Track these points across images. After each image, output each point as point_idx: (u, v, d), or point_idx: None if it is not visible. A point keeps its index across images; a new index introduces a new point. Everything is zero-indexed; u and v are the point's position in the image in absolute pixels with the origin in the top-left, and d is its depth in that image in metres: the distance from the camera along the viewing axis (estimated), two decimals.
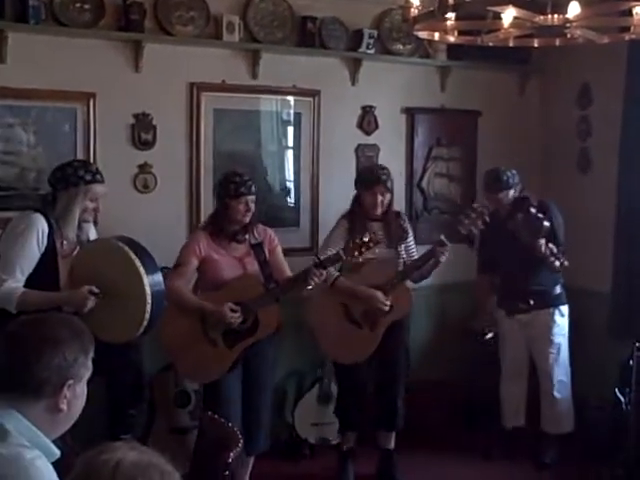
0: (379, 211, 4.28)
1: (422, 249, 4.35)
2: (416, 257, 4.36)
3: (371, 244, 3.83)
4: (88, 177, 3.57)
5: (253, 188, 3.92)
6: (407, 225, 4.42)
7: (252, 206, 3.90)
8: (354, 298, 4.21)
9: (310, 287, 3.87)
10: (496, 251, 4.57)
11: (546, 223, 4.30)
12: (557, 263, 4.34)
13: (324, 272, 3.85)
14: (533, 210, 4.30)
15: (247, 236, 3.96)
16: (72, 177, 3.55)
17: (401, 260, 4.34)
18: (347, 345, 4.27)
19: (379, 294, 4.17)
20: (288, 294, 3.91)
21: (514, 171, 4.51)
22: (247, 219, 3.91)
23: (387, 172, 4.31)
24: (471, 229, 4.16)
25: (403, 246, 4.35)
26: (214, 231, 3.93)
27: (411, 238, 4.42)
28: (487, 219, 4.15)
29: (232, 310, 3.79)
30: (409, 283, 4.39)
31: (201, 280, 3.96)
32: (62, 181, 3.56)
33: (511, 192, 4.50)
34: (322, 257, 3.92)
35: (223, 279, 3.89)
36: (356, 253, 3.83)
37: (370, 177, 4.28)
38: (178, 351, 3.93)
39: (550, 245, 4.29)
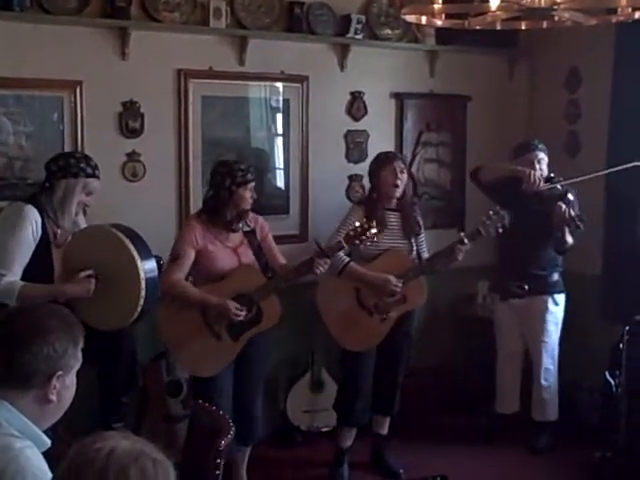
0: (398, 192, 4.26)
1: None
2: (426, 250, 4.37)
3: (370, 232, 3.82)
4: (89, 170, 3.59)
5: (254, 175, 3.94)
6: (420, 218, 4.42)
7: (254, 193, 3.91)
8: (365, 283, 4.20)
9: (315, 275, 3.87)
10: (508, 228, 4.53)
11: (570, 195, 4.35)
12: (569, 239, 4.34)
13: (328, 260, 3.84)
14: (558, 185, 4.38)
15: (240, 225, 3.94)
16: (74, 168, 3.56)
17: (414, 253, 4.34)
18: (355, 332, 4.25)
19: (391, 277, 4.14)
20: (290, 283, 3.90)
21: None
22: (250, 205, 3.90)
23: (402, 154, 4.50)
24: (490, 231, 4.16)
25: (416, 240, 4.35)
26: (209, 221, 3.90)
27: (423, 232, 4.42)
28: (507, 224, 4.16)
29: (238, 309, 3.78)
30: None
31: (196, 271, 3.93)
32: (63, 170, 3.56)
33: (543, 156, 4.50)
34: (323, 246, 3.90)
35: (218, 270, 3.87)
36: (357, 241, 3.83)
37: (389, 154, 4.35)
38: (181, 346, 3.91)
39: (571, 210, 4.29)
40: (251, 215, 4.02)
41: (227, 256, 3.89)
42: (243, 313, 3.78)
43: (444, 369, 5.20)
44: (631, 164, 4.39)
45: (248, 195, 3.86)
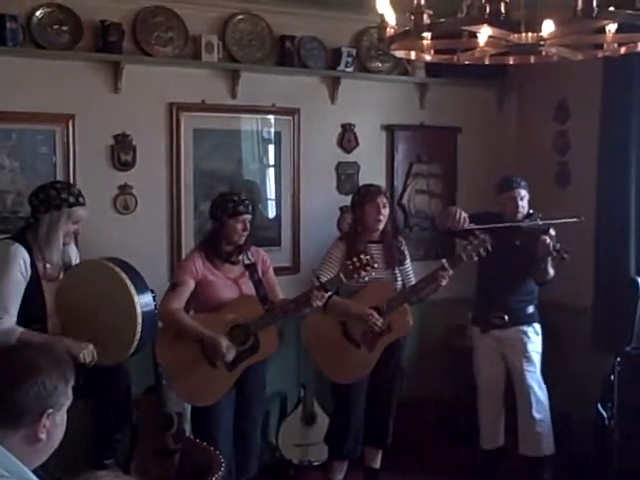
0: (381, 226, 4.28)
1: None
2: (413, 280, 4.36)
3: (368, 267, 3.86)
4: (71, 200, 3.50)
5: (250, 207, 3.93)
6: (405, 248, 4.43)
7: (248, 226, 3.90)
8: (349, 316, 4.20)
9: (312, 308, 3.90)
10: (485, 259, 4.50)
11: (552, 231, 4.38)
12: (551, 270, 4.36)
13: (325, 294, 3.86)
14: (539, 220, 4.41)
15: (241, 257, 3.95)
16: (55, 200, 3.47)
17: (398, 283, 4.34)
18: (343, 364, 4.25)
19: (372, 311, 4.16)
20: (288, 316, 3.91)
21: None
22: (243, 239, 3.90)
23: (384, 188, 4.50)
24: (472, 255, 4.17)
25: (400, 269, 4.36)
26: (209, 252, 3.92)
27: (408, 261, 4.43)
28: (489, 248, 4.17)
29: (229, 349, 3.79)
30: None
31: (196, 301, 3.94)
32: (45, 203, 3.48)
33: (525, 193, 4.53)
34: (322, 279, 3.90)
35: (219, 300, 3.89)
36: (356, 275, 3.86)
37: (372, 189, 4.35)
38: (178, 373, 3.90)
39: (556, 245, 4.31)
40: (253, 249, 4.04)
41: (228, 287, 3.91)
42: (231, 355, 3.79)
43: (436, 401, 5.18)
44: (572, 219, 4.40)
45: (239, 227, 3.86)
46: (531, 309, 4.61)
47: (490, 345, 4.65)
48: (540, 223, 4.44)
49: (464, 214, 4.37)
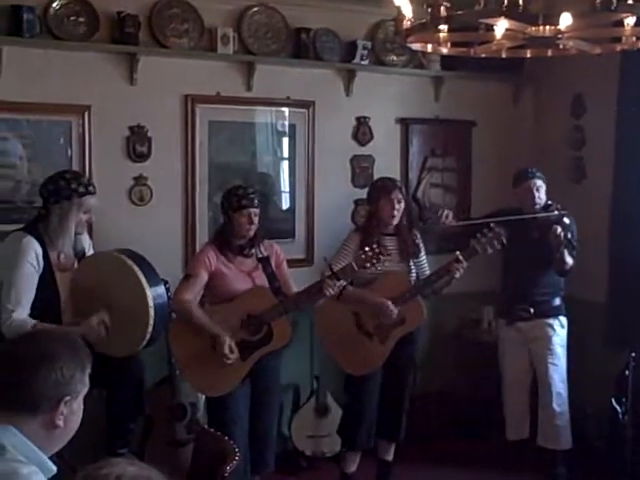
0: (395, 220, 4.28)
1: None
2: (428, 273, 4.36)
3: (381, 256, 3.85)
4: (81, 189, 3.50)
5: (256, 201, 3.90)
6: (420, 241, 4.43)
7: (255, 219, 3.88)
8: (363, 306, 4.20)
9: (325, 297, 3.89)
10: (509, 252, 4.54)
11: (566, 219, 4.36)
12: (569, 260, 4.35)
13: (338, 283, 3.86)
14: (555, 209, 4.40)
15: (254, 250, 3.96)
16: (65, 190, 3.48)
17: (413, 275, 4.34)
18: (356, 356, 4.26)
19: (387, 301, 4.15)
20: (301, 305, 3.91)
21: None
22: (251, 233, 3.90)
23: (400, 182, 4.49)
24: (486, 248, 4.15)
25: (415, 262, 4.36)
26: (221, 245, 3.92)
27: (423, 254, 4.42)
28: (504, 240, 4.16)
29: (230, 350, 3.76)
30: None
31: (210, 294, 3.95)
32: (54, 194, 3.49)
33: (541, 184, 4.54)
34: (335, 268, 3.92)
35: (233, 292, 3.89)
36: (368, 264, 3.85)
37: (388, 183, 4.34)
38: (191, 364, 3.91)
39: (568, 234, 4.31)
40: (266, 242, 4.04)
41: (241, 279, 3.91)
42: (234, 357, 3.76)
43: (449, 394, 5.18)
44: (558, 213, 4.39)
45: (244, 221, 3.85)
46: (557, 301, 4.63)
47: (515, 338, 4.68)
48: (534, 215, 4.45)
49: (447, 211, 4.42)
